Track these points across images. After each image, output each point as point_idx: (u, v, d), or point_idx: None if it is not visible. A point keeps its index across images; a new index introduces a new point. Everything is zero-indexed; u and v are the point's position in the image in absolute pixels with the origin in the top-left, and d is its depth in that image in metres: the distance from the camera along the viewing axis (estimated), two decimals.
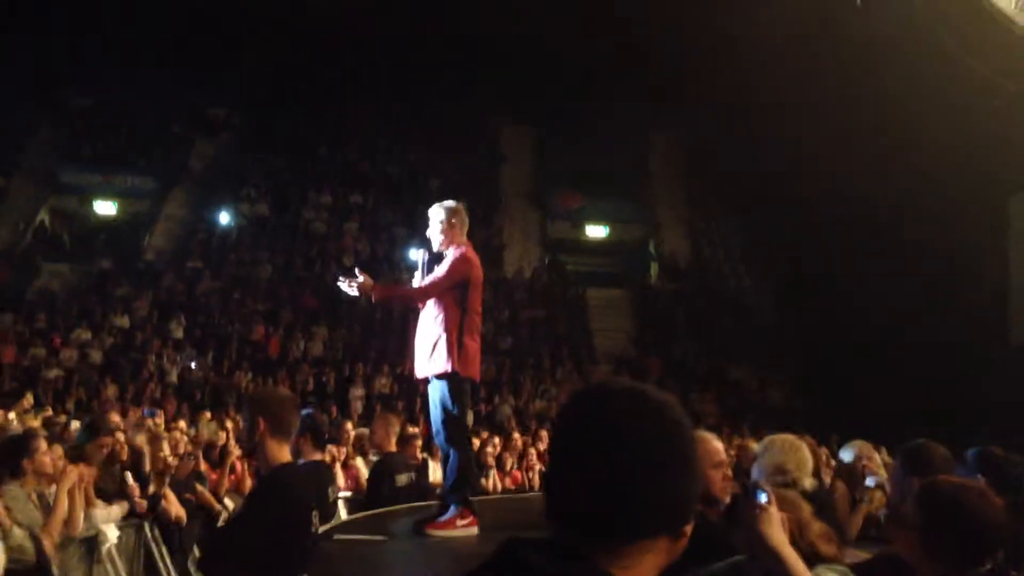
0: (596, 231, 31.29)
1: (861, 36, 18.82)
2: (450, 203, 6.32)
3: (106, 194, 28.93)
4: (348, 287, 5.97)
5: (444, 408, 5.89)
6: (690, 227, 30.34)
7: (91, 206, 29.02)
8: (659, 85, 26.91)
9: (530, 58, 27.46)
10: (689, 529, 1.47)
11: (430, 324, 5.99)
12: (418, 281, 6.16)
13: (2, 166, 27.63)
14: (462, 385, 5.93)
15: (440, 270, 6.02)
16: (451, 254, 6.09)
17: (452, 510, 5.87)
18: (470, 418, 18.00)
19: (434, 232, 6.20)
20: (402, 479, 7.51)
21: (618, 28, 25.64)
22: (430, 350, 5.93)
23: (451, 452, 5.95)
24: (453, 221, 6.19)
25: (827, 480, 6.56)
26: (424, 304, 6.07)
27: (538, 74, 27.96)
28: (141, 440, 7.58)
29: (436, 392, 5.91)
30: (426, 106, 29.47)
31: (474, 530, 5.78)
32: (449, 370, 5.86)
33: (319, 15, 27.21)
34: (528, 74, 28.00)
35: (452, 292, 5.99)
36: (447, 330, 5.91)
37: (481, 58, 28.06)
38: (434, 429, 6.02)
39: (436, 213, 6.25)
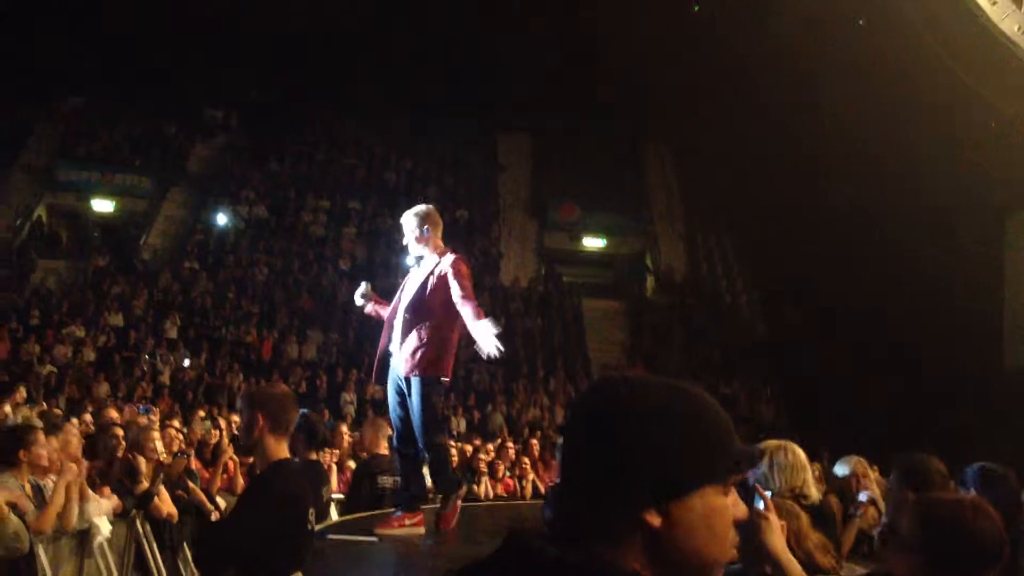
0: (593, 242, 31.32)
1: (861, 54, 18.91)
2: (421, 207, 6.27)
3: (104, 192, 28.86)
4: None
5: (433, 409, 5.93)
6: (687, 241, 30.37)
7: (89, 204, 28.95)
8: (656, 97, 26.99)
9: (528, 68, 27.50)
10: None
11: (427, 326, 5.97)
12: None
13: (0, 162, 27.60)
14: (441, 388, 6.04)
15: (459, 281, 5.92)
16: (448, 261, 6.02)
17: (450, 501, 6.02)
18: (463, 424, 18.03)
19: (410, 239, 6.16)
20: (386, 481, 7.48)
21: (614, 40, 25.70)
22: (424, 351, 5.92)
23: (431, 452, 6.01)
24: (426, 226, 6.14)
25: (819, 495, 6.57)
26: (433, 310, 6.03)
27: (536, 84, 27.99)
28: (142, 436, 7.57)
29: (423, 392, 5.88)
30: (424, 114, 29.48)
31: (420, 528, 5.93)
32: (442, 375, 5.94)
33: (318, 20, 27.22)
34: (526, 84, 28.03)
35: (449, 300, 5.97)
36: (448, 334, 5.96)
37: (480, 67, 28.09)
38: (417, 428, 5.95)
39: (408, 221, 6.19)
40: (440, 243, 6.18)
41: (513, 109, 29.72)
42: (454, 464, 6.56)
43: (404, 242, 6.24)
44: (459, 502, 6.04)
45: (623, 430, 1.44)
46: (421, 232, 6.11)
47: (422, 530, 5.90)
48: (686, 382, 1.55)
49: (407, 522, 5.87)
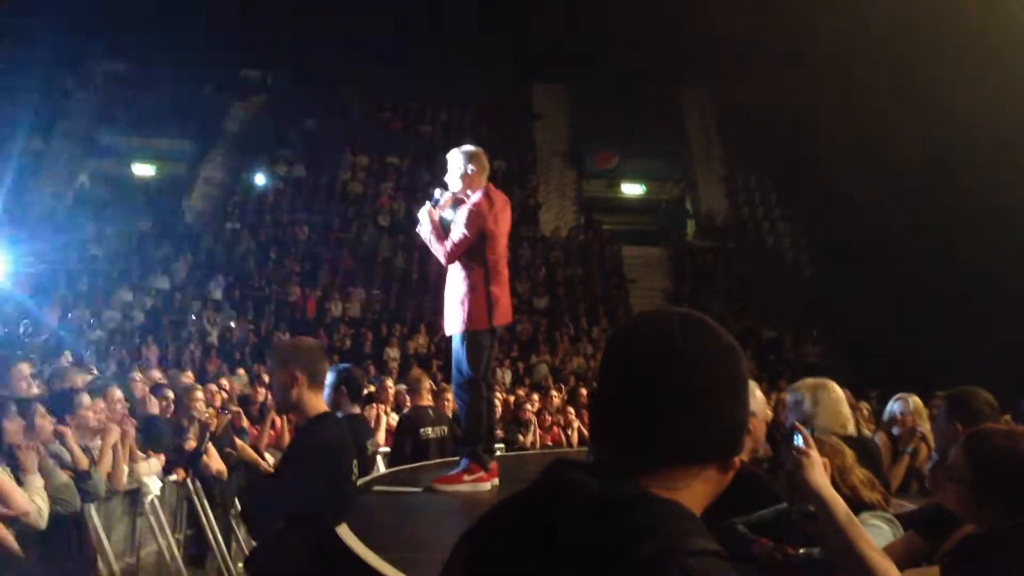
0: (632, 189, 31.11)
1: None
2: (468, 147, 6.10)
3: (145, 157, 29.21)
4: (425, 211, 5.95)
5: (458, 366, 5.80)
6: (727, 184, 30.01)
7: (130, 168, 29.27)
8: (691, 39, 26.55)
9: (561, 15, 27.17)
10: (738, 460, 1.43)
11: (455, 281, 5.85)
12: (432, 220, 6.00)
13: (41, 130, 27.82)
14: (479, 341, 5.79)
15: (455, 230, 5.81)
16: (464, 208, 5.84)
17: (462, 464, 5.79)
18: (508, 376, 17.97)
19: (453, 177, 5.99)
20: (430, 432, 7.47)
21: None
22: (452, 307, 5.83)
23: (460, 405, 5.91)
24: (472, 166, 5.96)
25: (868, 434, 6.49)
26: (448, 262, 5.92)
27: (570, 31, 27.66)
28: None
29: (462, 347, 5.78)
30: (459, 65, 29.24)
31: (484, 486, 5.68)
32: (465, 329, 5.74)
33: None
34: (560, 31, 27.70)
35: (471, 247, 5.82)
36: (470, 287, 5.76)
37: (513, 16, 27.80)
38: (454, 378, 5.92)
39: (455, 158, 6.04)
40: (479, 184, 5.95)
41: (548, 57, 29.38)
42: (495, 421, 6.36)
43: (446, 178, 6.03)
44: (464, 477, 5.69)
45: (701, 377, 1.37)
46: (466, 171, 5.93)
47: (487, 486, 5.71)
48: (713, 320, 1.49)
49: (465, 477, 5.71)
